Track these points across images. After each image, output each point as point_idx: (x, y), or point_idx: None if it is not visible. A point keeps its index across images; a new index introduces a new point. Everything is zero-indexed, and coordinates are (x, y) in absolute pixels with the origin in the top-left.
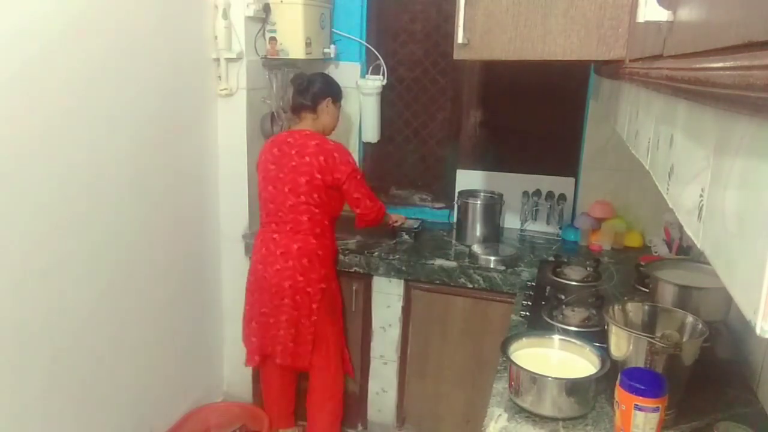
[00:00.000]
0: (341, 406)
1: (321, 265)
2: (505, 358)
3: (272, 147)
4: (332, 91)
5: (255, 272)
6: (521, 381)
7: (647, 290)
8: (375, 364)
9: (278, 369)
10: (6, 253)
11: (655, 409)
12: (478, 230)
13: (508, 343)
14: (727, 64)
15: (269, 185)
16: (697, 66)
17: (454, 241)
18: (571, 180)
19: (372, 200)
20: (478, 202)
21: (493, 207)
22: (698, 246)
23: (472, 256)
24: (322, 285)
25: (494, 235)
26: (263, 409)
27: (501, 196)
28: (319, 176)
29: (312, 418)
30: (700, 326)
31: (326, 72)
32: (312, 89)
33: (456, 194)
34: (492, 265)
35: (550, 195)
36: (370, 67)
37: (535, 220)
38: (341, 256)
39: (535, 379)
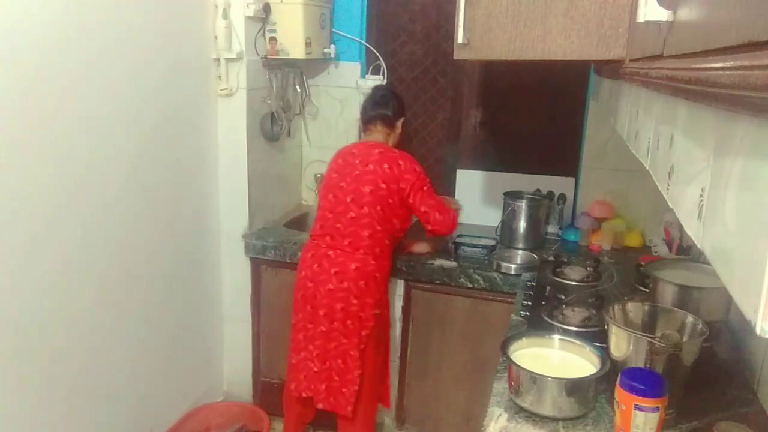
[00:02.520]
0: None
1: (377, 289)
2: (505, 358)
3: (337, 158)
4: (405, 111)
5: (304, 289)
6: (521, 381)
7: (647, 290)
8: None
9: (299, 399)
10: (6, 253)
11: (655, 409)
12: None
13: (508, 343)
14: (727, 64)
15: (329, 193)
16: (697, 66)
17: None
18: (571, 180)
19: (442, 212)
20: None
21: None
22: (698, 246)
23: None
24: (376, 311)
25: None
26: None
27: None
28: (383, 186)
29: None
30: (700, 326)
31: (326, 72)
32: (394, 104)
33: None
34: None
35: (550, 195)
36: (370, 67)
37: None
38: None
39: (535, 379)
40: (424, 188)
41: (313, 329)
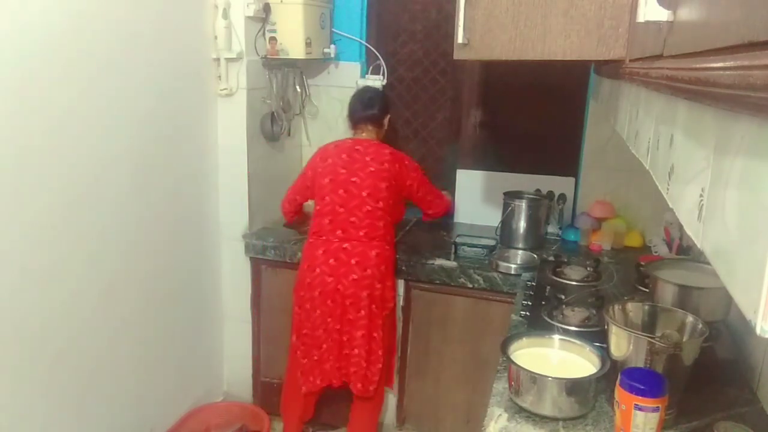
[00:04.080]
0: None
1: (393, 272)
2: (505, 358)
3: (339, 153)
4: (389, 108)
5: (322, 285)
6: (521, 381)
7: (647, 290)
8: None
9: (307, 395)
10: (6, 253)
11: (655, 409)
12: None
13: (508, 343)
14: (727, 64)
15: (339, 189)
16: (697, 66)
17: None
18: (571, 180)
19: (440, 197)
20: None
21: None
22: (698, 246)
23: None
24: (395, 292)
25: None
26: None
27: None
28: (395, 183)
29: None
30: (700, 326)
31: (326, 72)
32: (380, 103)
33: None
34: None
35: (550, 195)
36: (370, 67)
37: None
38: None
39: (535, 379)
40: (426, 182)
41: (334, 322)
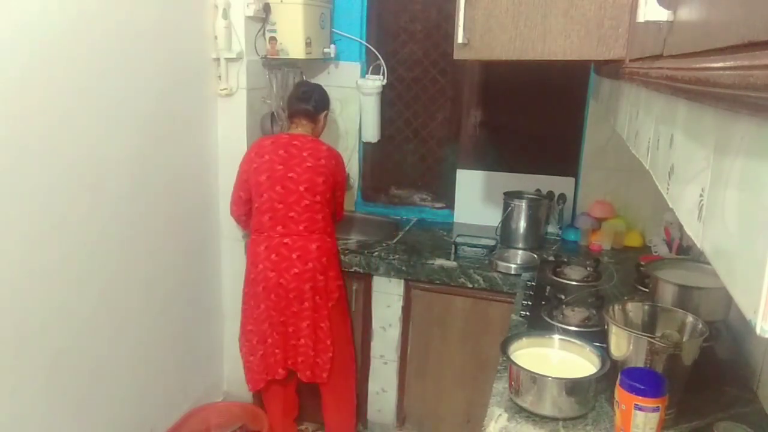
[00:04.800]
0: (355, 407)
1: (336, 263)
2: (505, 358)
3: (276, 148)
4: (329, 105)
5: (265, 280)
6: (521, 381)
7: (647, 290)
8: (375, 364)
9: (282, 389)
10: (6, 253)
11: (655, 409)
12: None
13: (508, 343)
14: (727, 64)
15: (277, 185)
16: (697, 66)
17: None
18: (571, 180)
19: (342, 208)
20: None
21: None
22: (698, 246)
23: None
24: (340, 282)
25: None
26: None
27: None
28: (331, 178)
29: (330, 427)
30: (700, 326)
31: (326, 72)
32: (315, 98)
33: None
34: (513, 272)
35: (550, 195)
36: (370, 67)
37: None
38: (342, 256)
39: (535, 379)
40: (344, 187)
41: (278, 315)
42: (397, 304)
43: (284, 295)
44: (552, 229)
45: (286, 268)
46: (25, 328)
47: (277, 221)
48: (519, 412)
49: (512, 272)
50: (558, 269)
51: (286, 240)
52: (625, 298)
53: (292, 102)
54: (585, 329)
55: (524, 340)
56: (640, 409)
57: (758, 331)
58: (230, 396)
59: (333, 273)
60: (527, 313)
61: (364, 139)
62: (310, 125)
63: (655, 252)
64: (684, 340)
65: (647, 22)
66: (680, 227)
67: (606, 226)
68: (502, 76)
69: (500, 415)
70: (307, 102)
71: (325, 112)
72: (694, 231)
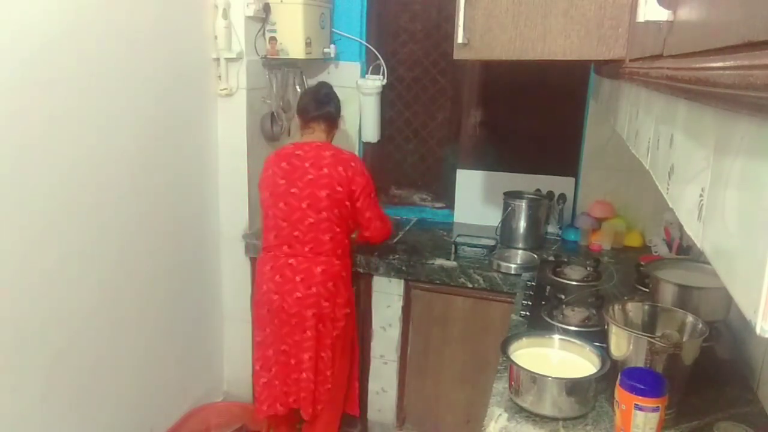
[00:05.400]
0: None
1: (345, 288)
2: (505, 358)
3: (279, 161)
4: (341, 110)
5: (269, 303)
6: (521, 381)
7: (647, 290)
8: (375, 364)
9: (285, 419)
10: (6, 253)
11: (655, 409)
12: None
13: (508, 343)
14: (727, 64)
15: (280, 202)
16: (697, 66)
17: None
18: (571, 180)
19: (383, 221)
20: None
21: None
22: (698, 246)
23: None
24: (347, 310)
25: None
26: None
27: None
28: (339, 188)
29: None
30: (700, 326)
31: (326, 72)
32: (335, 100)
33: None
34: (513, 272)
35: (550, 195)
36: (370, 67)
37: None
38: None
39: (535, 378)
40: (372, 195)
41: (280, 343)
42: (397, 304)
43: (287, 320)
44: (552, 229)
45: (288, 291)
46: (25, 327)
47: (283, 240)
48: (519, 412)
49: (512, 272)
50: (558, 269)
51: (291, 261)
52: (625, 298)
53: (309, 106)
54: (585, 329)
55: (524, 340)
56: (640, 409)
57: (758, 331)
58: (230, 396)
59: (341, 300)
60: (527, 313)
61: (364, 139)
62: (328, 130)
63: (655, 252)
64: (684, 340)
65: (647, 22)
66: (680, 227)
67: (606, 226)
68: (502, 76)
69: (500, 415)
70: (329, 104)
71: (342, 116)
72: (694, 231)
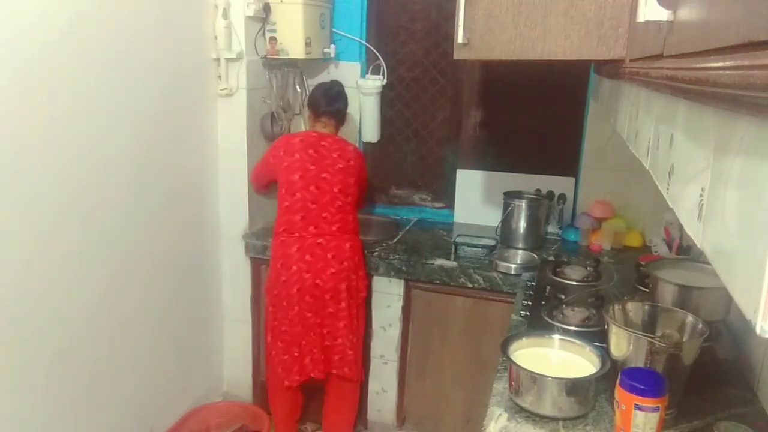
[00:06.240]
0: (357, 407)
1: (364, 262)
2: (505, 358)
3: (306, 147)
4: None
5: (300, 282)
6: (521, 381)
7: (647, 290)
8: (375, 364)
9: (289, 391)
10: (6, 252)
11: (655, 409)
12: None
13: (508, 343)
14: (727, 64)
15: (311, 185)
16: (697, 66)
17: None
18: (571, 180)
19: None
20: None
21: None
22: (698, 246)
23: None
24: (367, 281)
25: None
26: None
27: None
28: (359, 178)
29: (331, 425)
30: (700, 326)
31: (326, 72)
32: (346, 100)
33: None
34: (513, 272)
35: (550, 195)
36: (370, 67)
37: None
38: None
39: (535, 378)
40: (366, 183)
41: (314, 317)
42: (397, 304)
43: (320, 296)
44: (552, 229)
45: (322, 268)
46: (25, 328)
47: (310, 221)
48: (519, 412)
49: (512, 272)
50: (558, 269)
51: (319, 240)
52: (625, 298)
53: (320, 102)
54: (585, 329)
55: (524, 340)
56: (640, 409)
57: (758, 331)
58: (230, 396)
59: (362, 272)
60: (527, 313)
61: (364, 139)
62: (337, 125)
63: (655, 252)
64: (684, 340)
65: (647, 22)
66: (680, 227)
67: (606, 226)
68: (502, 76)
69: (500, 415)
70: (339, 100)
71: (348, 111)
72: (694, 231)
